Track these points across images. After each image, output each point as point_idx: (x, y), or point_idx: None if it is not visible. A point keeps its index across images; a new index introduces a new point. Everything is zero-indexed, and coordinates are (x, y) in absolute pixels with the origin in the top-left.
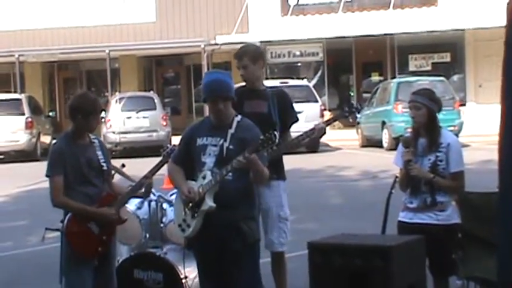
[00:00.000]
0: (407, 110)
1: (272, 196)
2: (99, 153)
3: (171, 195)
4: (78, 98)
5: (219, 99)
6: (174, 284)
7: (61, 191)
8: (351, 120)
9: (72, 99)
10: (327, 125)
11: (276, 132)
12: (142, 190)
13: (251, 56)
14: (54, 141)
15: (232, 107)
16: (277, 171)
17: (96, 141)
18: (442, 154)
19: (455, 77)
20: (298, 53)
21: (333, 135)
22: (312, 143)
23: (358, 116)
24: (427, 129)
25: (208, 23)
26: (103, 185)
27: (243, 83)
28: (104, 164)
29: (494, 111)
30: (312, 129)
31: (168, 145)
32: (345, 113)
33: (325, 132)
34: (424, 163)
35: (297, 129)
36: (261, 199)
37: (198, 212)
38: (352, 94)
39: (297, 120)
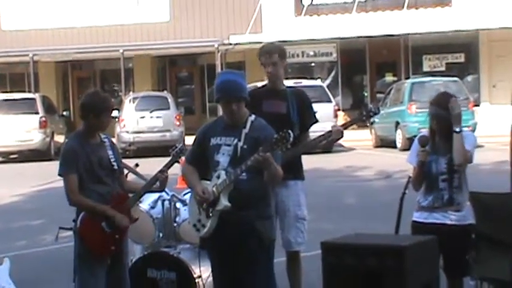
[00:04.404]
0: (421, 110)
1: (289, 195)
2: (109, 152)
3: (185, 194)
4: (89, 96)
5: (232, 100)
6: (188, 284)
7: (77, 190)
8: (368, 124)
9: (83, 98)
10: (345, 128)
11: (290, 131)
12: (158, 184)
13: (280, 53)
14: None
15: (249, 107)
16: (295, 170)
17: (106, 140)
18: None
19: (469, 78)
20: (311, 53)
21: (347, 136)
22: (328, 144)
23: (377, 120)
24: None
25: (222, 22)
26: (114, 184)
27: (263, 83)
28: (114, 164)
29: (508, 112)
30: (329, 132)
31: (177, 144)
32: (362, 116)
33: (342, 136)
34: (440, 161)
35: (311, 130)
36: (278, 198)
37: (213, 211)
38: (365, 94)
39: (316, 121)
